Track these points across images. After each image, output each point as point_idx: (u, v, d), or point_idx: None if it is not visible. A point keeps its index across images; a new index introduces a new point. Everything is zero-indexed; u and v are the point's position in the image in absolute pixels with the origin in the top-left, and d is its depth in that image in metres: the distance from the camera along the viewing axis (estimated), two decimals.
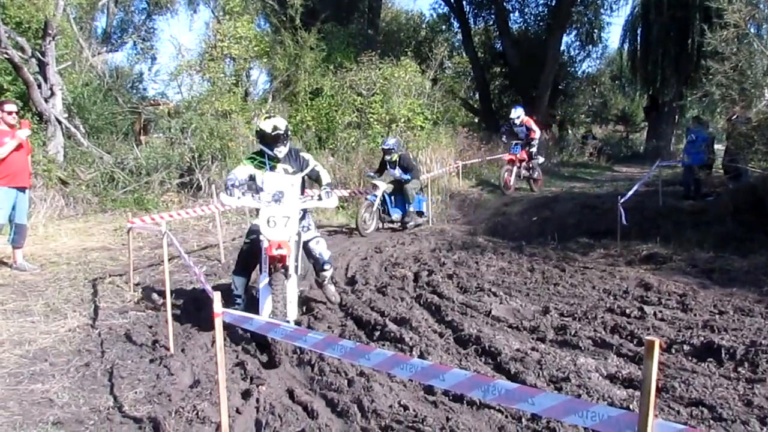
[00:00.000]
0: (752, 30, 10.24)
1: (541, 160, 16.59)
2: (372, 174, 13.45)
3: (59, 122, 14.95)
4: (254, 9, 21.51)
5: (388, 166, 13.09)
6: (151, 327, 6.70)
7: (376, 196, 12.78)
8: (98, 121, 17.41)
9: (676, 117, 29.81)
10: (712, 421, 4.17)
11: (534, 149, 16.15)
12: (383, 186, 12.80)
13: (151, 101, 22.05)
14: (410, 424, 4.29)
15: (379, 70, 20.37)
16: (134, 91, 23.17)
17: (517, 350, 5.64)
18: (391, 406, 4.59)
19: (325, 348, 3.38)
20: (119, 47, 25.88)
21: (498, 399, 2.68)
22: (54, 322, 6.81)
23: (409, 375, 3.00)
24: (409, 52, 23.27)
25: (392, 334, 6.18)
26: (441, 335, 6.25)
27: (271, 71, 21.56)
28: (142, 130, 20.50)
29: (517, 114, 16.07)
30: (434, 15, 33.23)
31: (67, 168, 14.68)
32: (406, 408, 4.56)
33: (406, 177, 12.86)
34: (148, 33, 26.12)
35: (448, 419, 4.29)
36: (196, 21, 45.51)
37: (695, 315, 6.58)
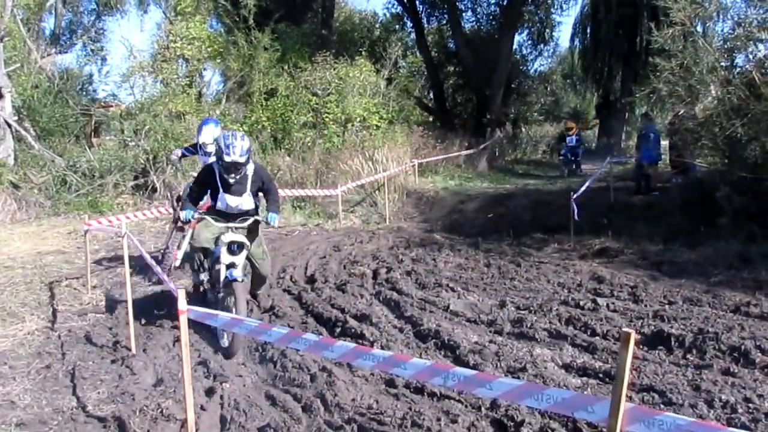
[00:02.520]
0: (698, 28, 10.55)
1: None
2: None
3: (9, 125, 14.69)
4: (206, 9, 21.30)
5: None
6: (111, 328, 6.68)
7: None
8: (49, 123, 17.12)
9: (626, 114, 30.42)
10: (662, 406, 4.35)
11: None
12: None
13: (102, 103, 21.70)
14: (373, 416, 4.38)
15: (334, 70, 20.42)
16: (84, 93, 22.70)
17: (476, 343, 5.78)
18: (353, 400, 4.68)
19: (289, 342, 3.46)
20: (68, 48, 25.31)
21: (458, 385, 2.79)
22: (11, 326, 6.75)
23: (371, 365, 3.11)
24: (363, 52, 23.36)
25: (353, 330, 6.28)
26: (401, 330, 6.36)
27: (224, 72, 21.43)
28: (93, 133, 20.18)
29: (211, 136, 8.22)
30: (387, 14, 33.36)
31: (18, 171, 14.45)
32: (368, 401, 4.65)
33: None
34: (98, 34, 25.61)
35: (410, 409, 4.40)
36: (146, 22, 44.86)
37: (646, 306, 6.81)
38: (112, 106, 21.04)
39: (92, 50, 24.81)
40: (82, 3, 25.75)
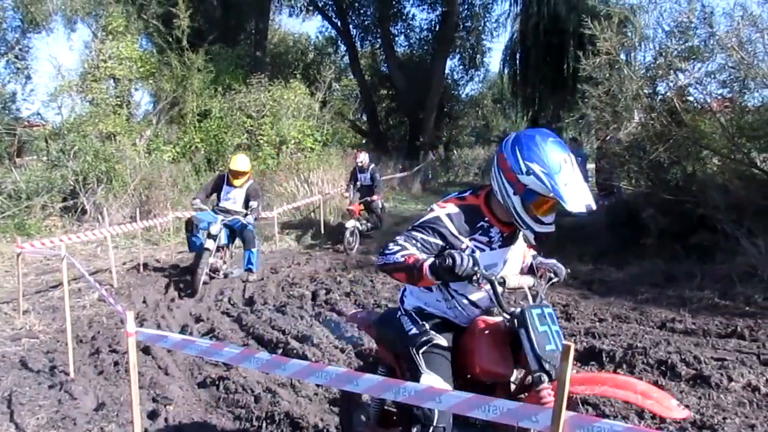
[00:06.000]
0: (622, 57, 10.99)
1: None
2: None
3: None
4: (136, 29, 21.06)
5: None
6: (47, 353, 6.55)
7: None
8: None
9: None
10: None
11: None
12: None
13: (26, 122, 21.11)
14: None
15: (269, 92, 20.51)
16: (7, 111, 22.03)
17: None
18: (300, 417, 4.73)
19: (242, 361, 3.50)
20: None
21: (409, 399, 2.88)
22: None
23: (325, 382, 3.18)
24: (297, 75, 23.53)
25: (295, 351, 6.32)
26: (342, 350, 6.44)
27: (157, 92, 21.18)
28: (16, 153, 19.59)
29: None
30: (321, 38, 33.66)
31: None
32: (314, 419, 4.71)
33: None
34: (23, 51, 24.96)
35: None
36: (74, 41, 43.81)
37: (578, 323, 7.09)
38: (37, 125, 20.51)
39: (17, 68, 24.14)
40: (6, 19, 25.08)
